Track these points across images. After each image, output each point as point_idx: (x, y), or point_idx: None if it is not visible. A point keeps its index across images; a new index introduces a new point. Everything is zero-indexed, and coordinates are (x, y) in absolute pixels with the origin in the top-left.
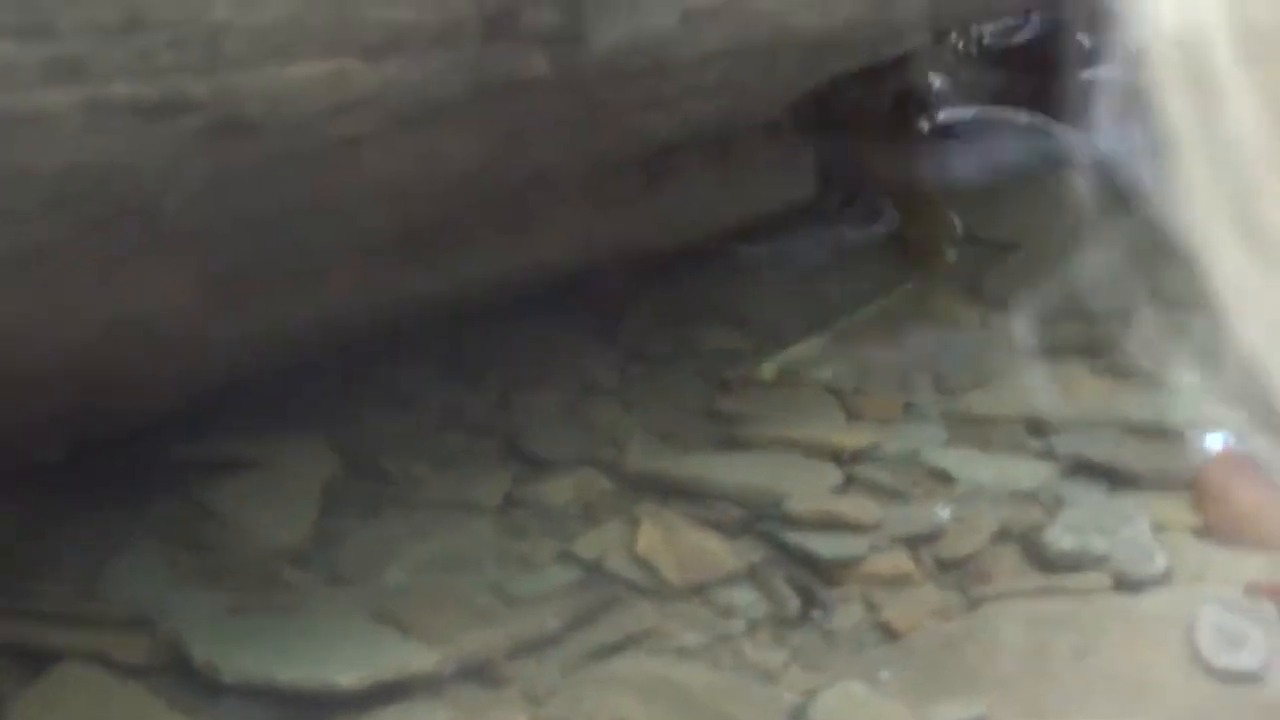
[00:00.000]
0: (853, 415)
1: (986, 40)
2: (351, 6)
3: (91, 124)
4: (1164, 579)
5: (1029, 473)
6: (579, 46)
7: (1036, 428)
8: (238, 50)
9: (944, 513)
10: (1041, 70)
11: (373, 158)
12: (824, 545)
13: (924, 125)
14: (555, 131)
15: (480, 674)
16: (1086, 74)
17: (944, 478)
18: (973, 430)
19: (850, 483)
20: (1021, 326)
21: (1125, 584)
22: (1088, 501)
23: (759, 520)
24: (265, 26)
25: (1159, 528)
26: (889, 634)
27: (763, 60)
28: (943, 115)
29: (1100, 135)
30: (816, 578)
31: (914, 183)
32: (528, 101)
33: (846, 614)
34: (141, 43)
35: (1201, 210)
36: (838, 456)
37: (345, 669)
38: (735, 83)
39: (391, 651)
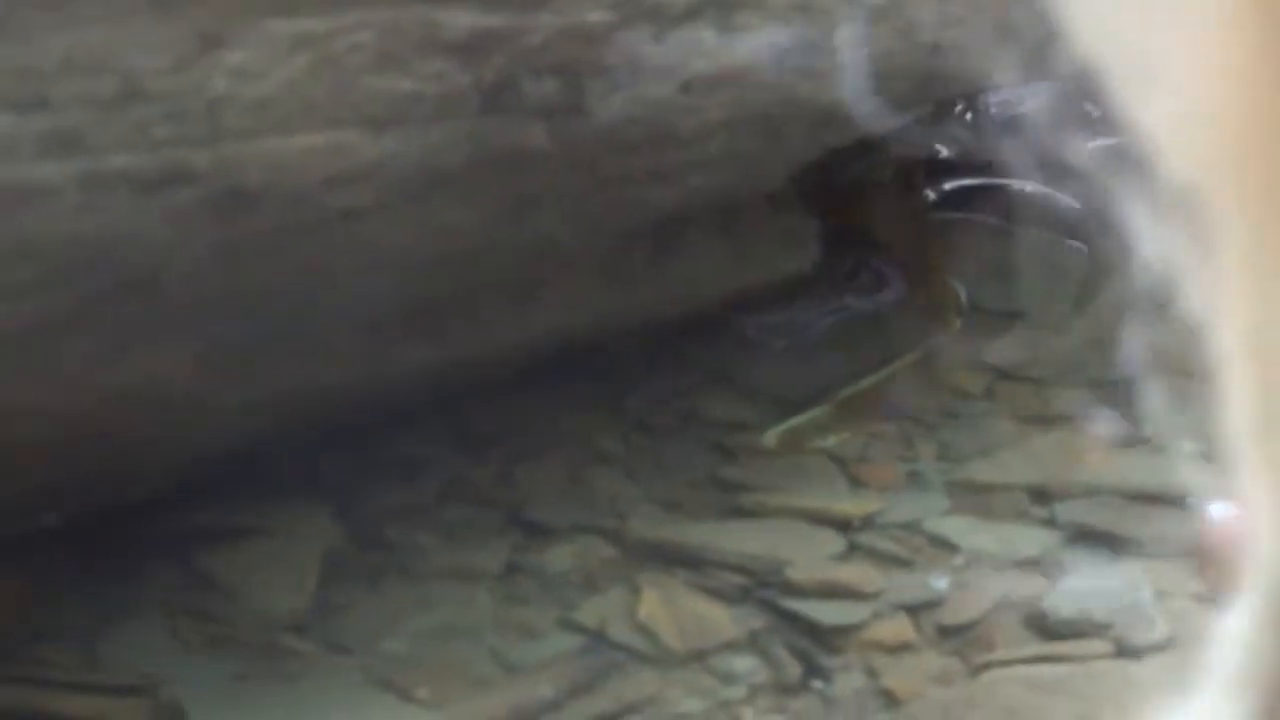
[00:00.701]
0: (856, 483)
1: (992, 109)
2: (351, 78)
3: (89, 196)
4: (1166, 646)
5: (1031, 540)
6: (579, 117)
7: (1039, 495)
8: (237, 122)
9: (945, 580)
10: (1043, 138)
11: (373, 229)
12: (825, 612)
13: (928, 194)
14: (557, 202)
15: None
16: (1093, 143)
17: (946, 545)
18: (975, 498)
19: (852, 550)
20: (1025, 394)
21: (1127, 651)
22: (1089, 568)
23: (760, 588)
24: (265, 98)
25: (1161, 594)
26: (890, 701)
27: (765, 131)
28: (947, 184)
29: (1106, 203)
30: (817, 645)
31: (918, 252)
32: (529, 172)
33: (847, 681)
34: (139, 114)
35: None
36: (840, 524)
37: None
38: (737, 153)
39: None
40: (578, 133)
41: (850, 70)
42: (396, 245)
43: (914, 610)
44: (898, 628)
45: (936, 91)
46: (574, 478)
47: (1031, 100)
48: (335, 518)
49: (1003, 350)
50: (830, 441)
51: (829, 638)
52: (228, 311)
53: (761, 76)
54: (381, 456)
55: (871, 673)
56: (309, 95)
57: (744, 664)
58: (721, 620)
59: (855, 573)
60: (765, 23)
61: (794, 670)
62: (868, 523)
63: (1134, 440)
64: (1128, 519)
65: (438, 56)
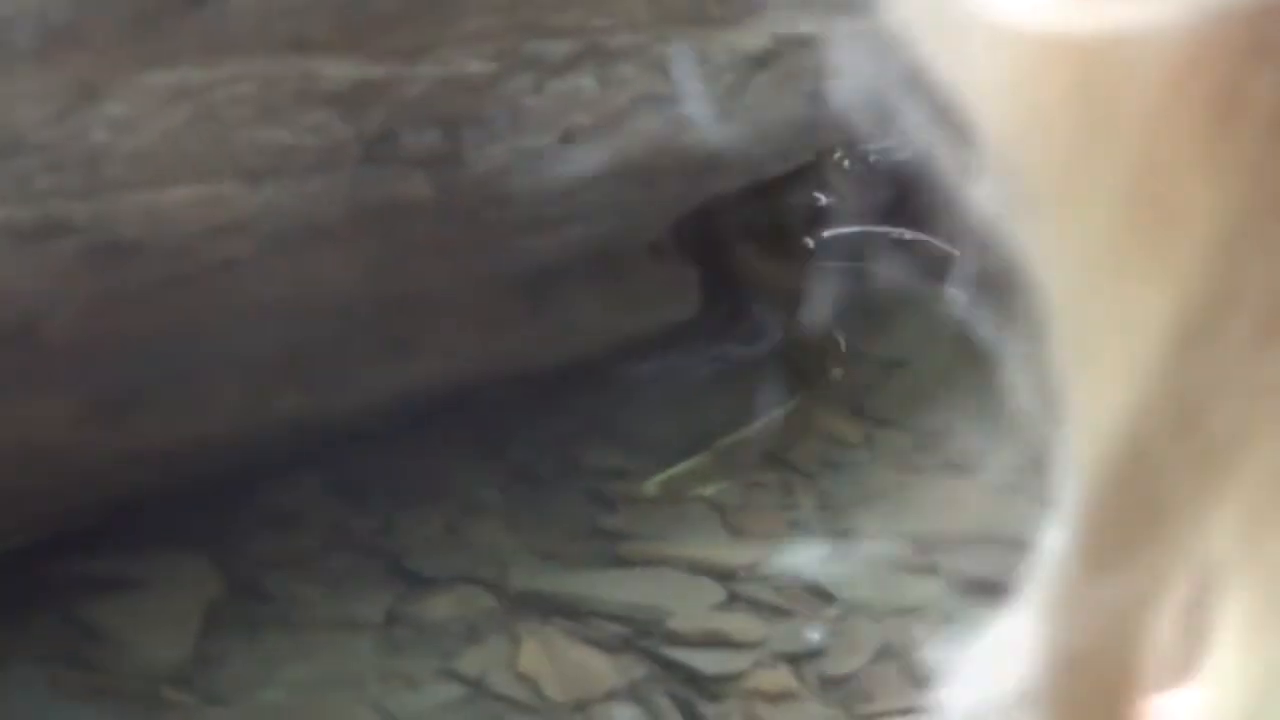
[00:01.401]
0: (736, 532)
1: (872, 157)
2: (230, 130)
3: None
4: None
5: (913, 589)
6: (459, 167)
7: (920, 544)
8: (117, 173)
9: (826, 630)
10: (925, 186)
11: (252, 279)
12: (706, 662)
13: (809, 242)
14: (437, 252)
15: None
16: (970, 190)
17: (827, 595)
18: (856, 547)
19: (733, 600)
20: (905, 442)
21: None
22: (972, 618)
23: (641, 637)
24: (144, 150)
25: None
26: None
27: (644, 180)
28: (827, 232)
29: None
30: (699, 694)
31: (797, 300)
32: (408, 222)
33: None
34: (19, 166)
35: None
36: (721, 574)
37: None
38: (617, 202)
39: None
40: (457, 183)
41: (729, 119)
42: (275, 296)
43: (795, 660)
44: (779, 677)
45: (816, 140)
46: (454, 527)
47: (910, 147)
48: (216, 568)
49: (882, 398)
50: (711, 490)
51: (710, 687)
52: (106, 362)
53: (640, 126)
54: (262, 506)
55: None
56: (188, 146)
57: (625, 713)
58: (602, 670)
59: (736, 622)
60: (644, 73)
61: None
62: (748, 572)
63: (1015, 487)
64: (1010, 566)
65: (317, 108)
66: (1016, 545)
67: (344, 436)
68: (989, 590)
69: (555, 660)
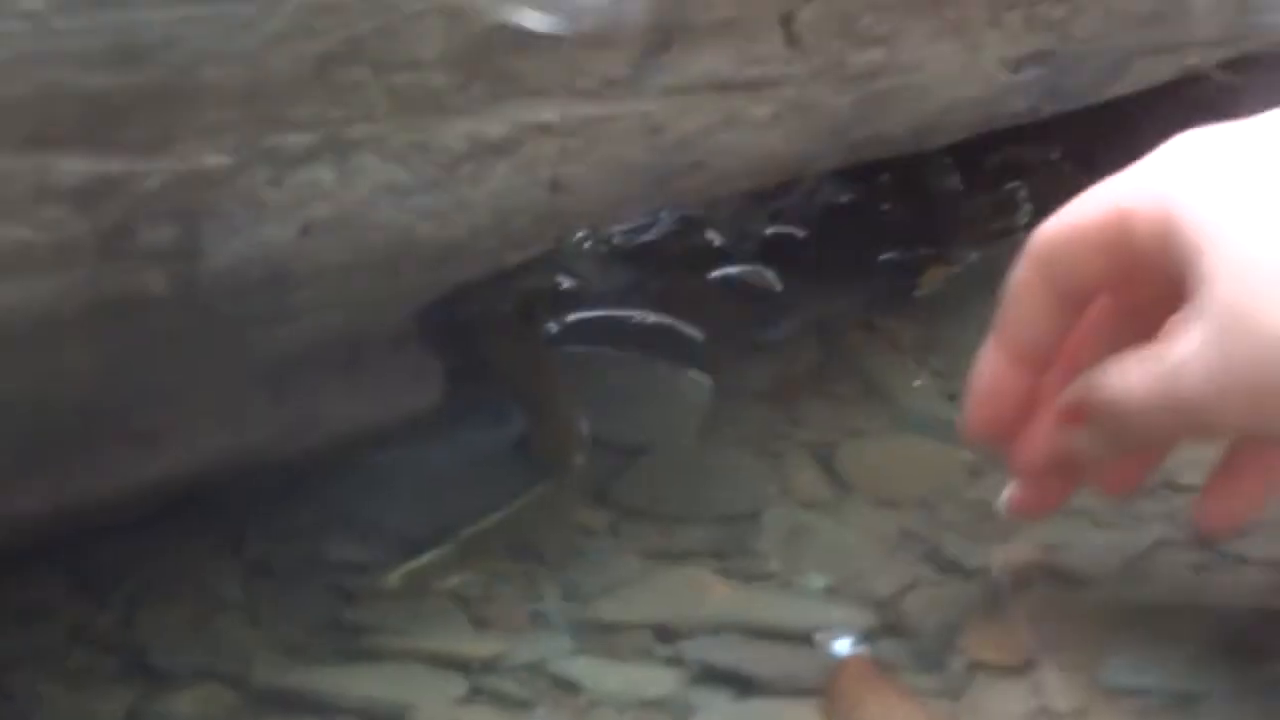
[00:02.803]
0: (480, 624)
1: (616, 240)
2: None
3: None
4: None
5: (657, 680)
6: (197, 261)
7: (664, 634)
8: None
9: None
10: (671, 268)
11: None
12: None
13: (551, 327)
14: (177, 345)
15: None
16: (715, 272)
17: (571, 687)
18: (601, 638)
19: (476, 693)
20: (649, 530)
21: None
22: (715, 709)
23: None
24: None
25: None
26: None
27: (385, 270)
28: (570, 317)
29: (728, 333)
30: None
31: (541, 386)
32: (147, 317)
33: None
34: None
35: None
36: (464, 666)
37: None
38: (357, 293)
39: None
40: (196, 276)
41: (470, 208)
42: (15, 391)
43: None
44: None
45: (558, 226)
46: (196, 623)
47: (654, 231)
48: None
49: (626, 485)
50: (454, 582)
51: None
52: None
53: (380, 217)
54: (2, 604)
55: None
56: None
57: None
58: None
59: (479, 716)
60: (384, 163)
61: None
62: (491, 664)
63: (761, 575)
64: (754, 657)
65: (52, 204)
66: (762, 635)
67: (86, 531)
68: (734, 681)
69: None
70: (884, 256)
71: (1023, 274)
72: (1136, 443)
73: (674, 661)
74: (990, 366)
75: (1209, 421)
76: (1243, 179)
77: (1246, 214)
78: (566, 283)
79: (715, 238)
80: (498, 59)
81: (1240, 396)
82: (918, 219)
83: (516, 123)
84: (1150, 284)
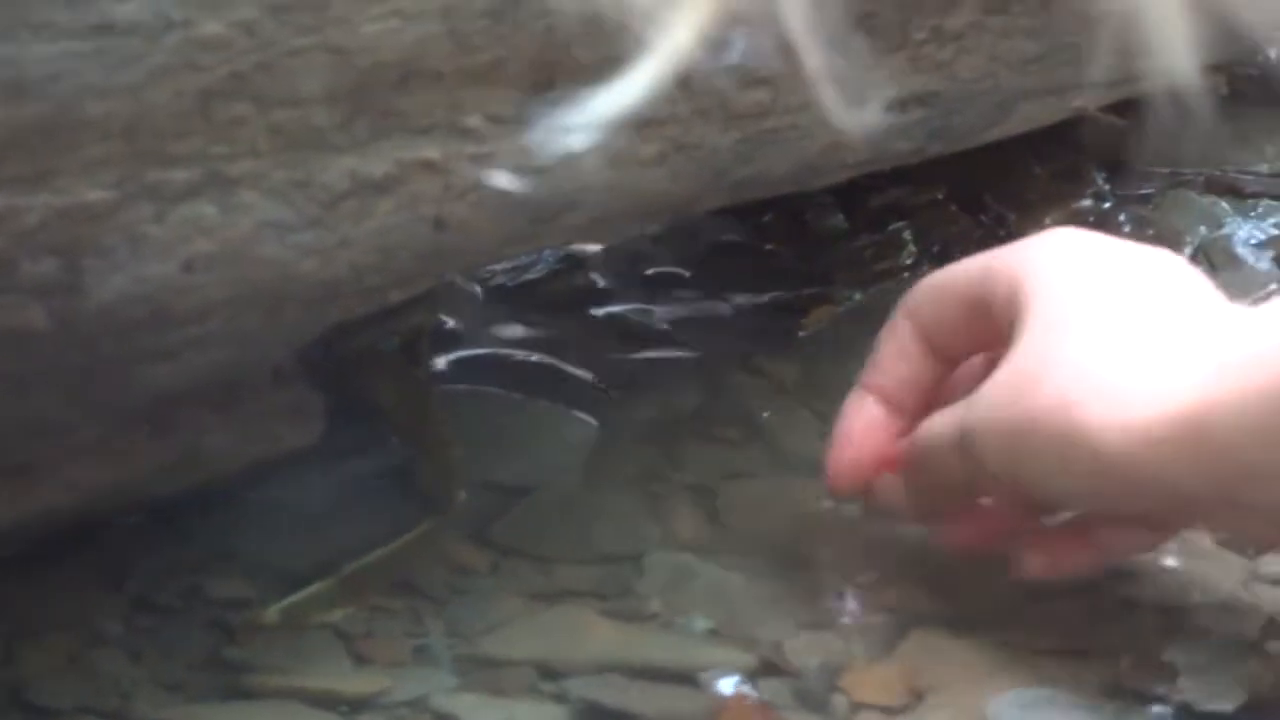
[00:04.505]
0: (361, 660)
1: (500, 278)
2: None
3: None
4: None
5: (540, 717)
6: (78, 297)
7: (547, 672)
8: None
9: None
10: (555, 307)
11: None
12: None
13: (434, 366)
14: (57, 382)
15: None
16: (599, 311)
17: None
18: (484, 674)
19: None
20: (531, 569)
21: None
22: None
23: None
24: None
25: None
26: None
27: (267, 307)
28: (454, 355)
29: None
30: None
31: (423, 424)
32: (27, 353)
33: None
34: None
35: None
36: (344, 703)
37: None
38: (239, 330)
39: None
40: (77, 313)
41: (352, 246)
42: None
43: None
44: None
45: (441, 264)
46: (75, 659)
47: (538, 270)
48: None
49: (508, 524)
50: (335, 617)
51: None
52: None
53: (263, 254)
54: None
55: None
56: None
57: None
58: None
59: None
60: (266, 199)
61: None
62: (372, 701)
63: (641, 616)
64: (637, 696)
65: None
66: (645, 674)
67: None
68: (615, 718)
69: None
70: (767, 297)
71: (893, 319)
72: (944, 493)
73: (558, 699)
74: (853, 408)
75: (983, 467)
76: (1089, 271)
77: (1074, 294)
78: (450, 321)
79: (599, 277)
80: (381, 96)
81: (1003, 452)
82: (801, 259)
83: (399, 160)
84: (1006, 343)
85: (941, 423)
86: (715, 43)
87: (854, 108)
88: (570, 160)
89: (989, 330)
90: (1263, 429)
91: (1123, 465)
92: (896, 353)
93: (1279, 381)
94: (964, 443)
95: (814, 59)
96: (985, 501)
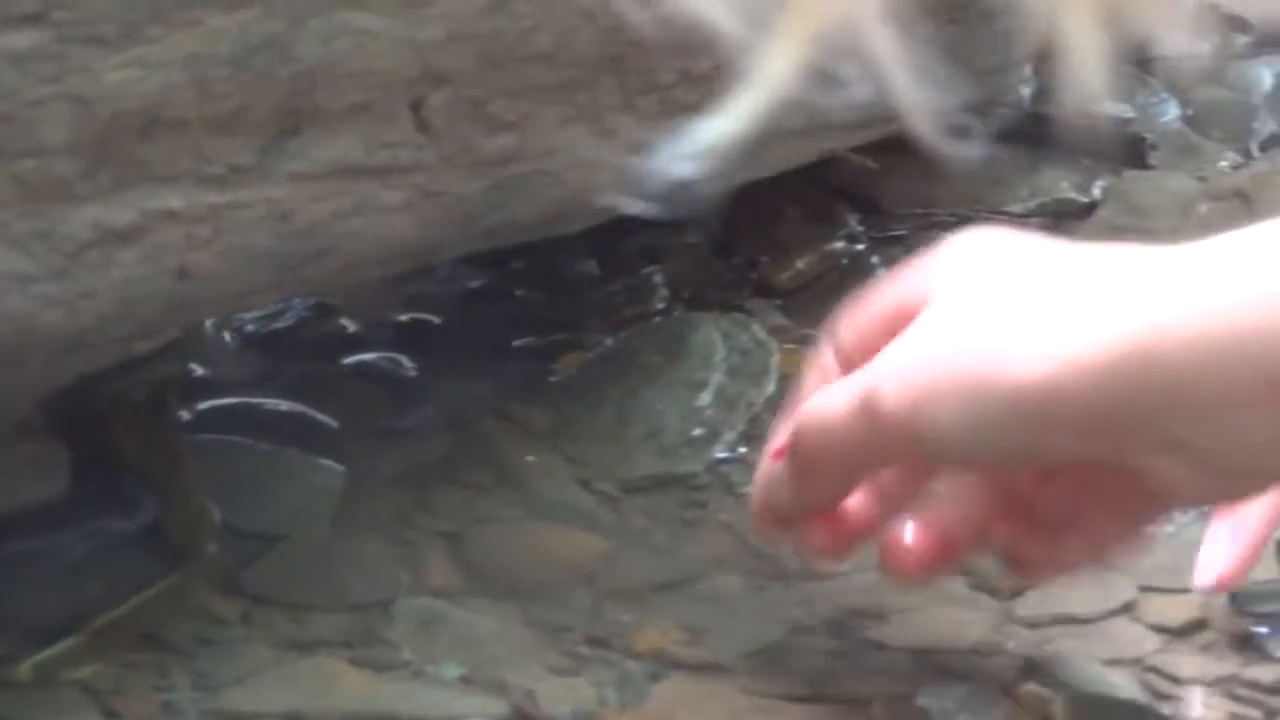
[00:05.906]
0: (110, 715)
1: (248, 327)
2: None
3: None
4: None
5: None
6: None
7: None
8: None
9: None
10: (304, 355)
11: None
12: None
13: (182, 415)
14: None
15: None
16: (349, 358)
17: None
18: None
19: None
20: (282, 619)
21: None
22: None
23: None
24: None
25: None
26: None
27: (8, 359)
28: (202, 405)
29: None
30: None
31: (171, 474)
32: None
33: None
34: None
35: None
36: None
37: None
38: None
39: None
40: None
41: (94, 297)
42: None
43: None
44: None
45: (186, 314)
46: None
47: (287, 318)
48: None
49: (259, 574)
50: (84, 672)
51: None
52: None
53: (4, 306)
54: None
55: None
56: None
57: None
58: None
59: None
60: (8, 250)
61: None
62: None
63: (391, 665)
64: None
65: None
66: None
67: None
68: None
69: None
70: (518, 342)
71: (819, 349)
72: (836, 469)
73: None
74: (780, 439)
75: (889, 425)
76: (1003, 248)
77: (989, 266)
78: (198, 370)
79: (349, 324)
80: (124, 146)
81: (914, 403)
82: (552, 304)
83: (143, 210)
84: None
85: (837, 391)
86: (813, 72)
87: (954, 140)
88: (313, 209)
89: None
90: (1217, 361)
91: (1045, 398)
92: (820, 379)
93: (1230, 316)
94: (867, 404)
95: (907, 91)
96: (885, 474)
